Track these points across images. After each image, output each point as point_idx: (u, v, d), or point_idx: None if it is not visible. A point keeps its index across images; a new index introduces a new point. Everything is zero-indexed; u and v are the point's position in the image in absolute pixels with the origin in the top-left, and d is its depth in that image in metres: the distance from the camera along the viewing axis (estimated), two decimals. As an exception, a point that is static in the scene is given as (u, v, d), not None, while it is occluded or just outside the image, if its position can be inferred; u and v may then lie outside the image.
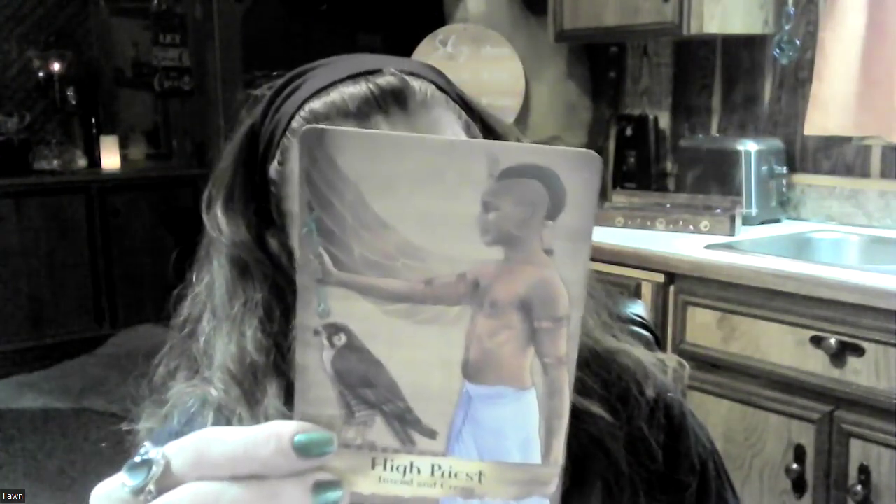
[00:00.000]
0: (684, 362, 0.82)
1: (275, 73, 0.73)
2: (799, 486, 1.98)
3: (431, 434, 0.40)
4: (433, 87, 0.70)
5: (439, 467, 0.40)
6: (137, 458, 0.39)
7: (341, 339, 0.39)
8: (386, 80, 0.67)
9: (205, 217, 0.71)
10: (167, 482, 0.38)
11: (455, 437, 0.40)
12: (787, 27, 2.51)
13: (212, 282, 0.70)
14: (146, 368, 0.75)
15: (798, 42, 2.52)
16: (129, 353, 4.42)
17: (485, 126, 0.74)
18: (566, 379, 0.40)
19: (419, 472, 0.40)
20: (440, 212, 0.38)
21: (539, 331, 0.39)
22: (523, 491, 0.40)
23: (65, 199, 4.67)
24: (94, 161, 4.94)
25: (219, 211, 0.70)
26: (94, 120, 5.00)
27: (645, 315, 1.08)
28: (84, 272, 4.73)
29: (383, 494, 0.40)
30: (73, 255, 4.69)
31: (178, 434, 0.69)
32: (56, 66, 4.90)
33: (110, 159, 4.95)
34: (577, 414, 0.70)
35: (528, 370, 0.40)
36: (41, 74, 4.90)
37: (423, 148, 0.38)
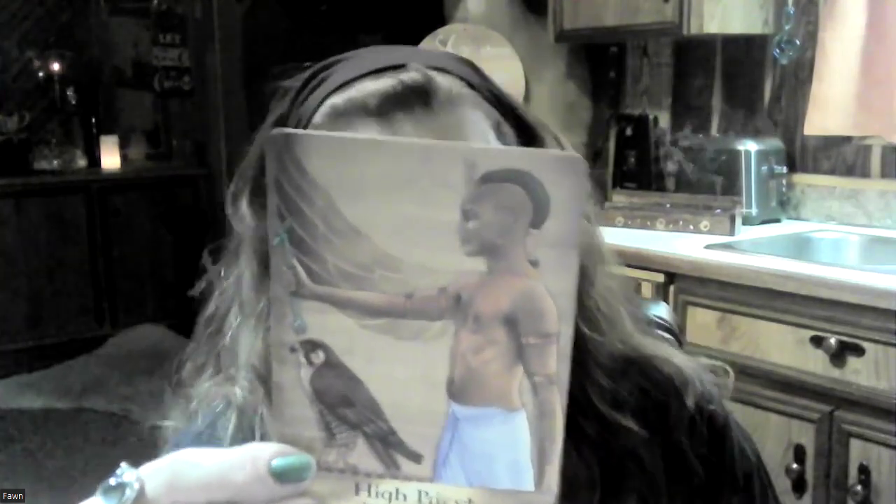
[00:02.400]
0: (729, 369, 0.78)
1: (306, 64, 0.70)
2: (799, 486, 1.98)
3: (416, 458, 0.38)
4: (461, 83, 0.66)
5: (426, 494, 0.38)
6: (112, 481, 0.37)
7: (319, 357, 0.37)
8: (410, 76, 0.64)
9: (229, 211, 0.68)
10: None
11: (442, 462, 0.38)
12: (787, 27, 2.51)
13: (239, 277, 0.68)
14: (151, 368, 0.73)
15: (798, 42, 2.51)
16: (129, 353, 4.42)
17: (518, 124, 0.69)
18: (558, 399, 0.37)
19: (405, 498, 0.38)
20: (417, 220, 0.36)
21: (526, 347, 0.37)
22: None
23: (65, 199, 4.67)
24: (94, 161, 4.93)
25: (244, 204, 0.67)
26: (94, 120, 5.00)
27: (668, 317, 1.05)
28: (84, 272, 4.72)
29: None
30: (73, 255, 4.68)
31: (200, 435, 0.69)
32: (56, 66, 4.90)
33: (110, 159, 4.95)
34: (610, 426, 0.67)
35: (517, 390, 0.37)
36: (41, 74, 4.90)
37: (396, 151, 0.36)
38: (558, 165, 0.36)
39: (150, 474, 0.37)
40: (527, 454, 0.38)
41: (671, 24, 2.53)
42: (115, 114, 5.22)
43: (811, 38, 2.52)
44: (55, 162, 4.76)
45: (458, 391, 0.38)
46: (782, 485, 2.00)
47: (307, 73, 0.69)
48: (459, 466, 0.38)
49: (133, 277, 4.86)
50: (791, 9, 2.52)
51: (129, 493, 0.36)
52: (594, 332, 0.66)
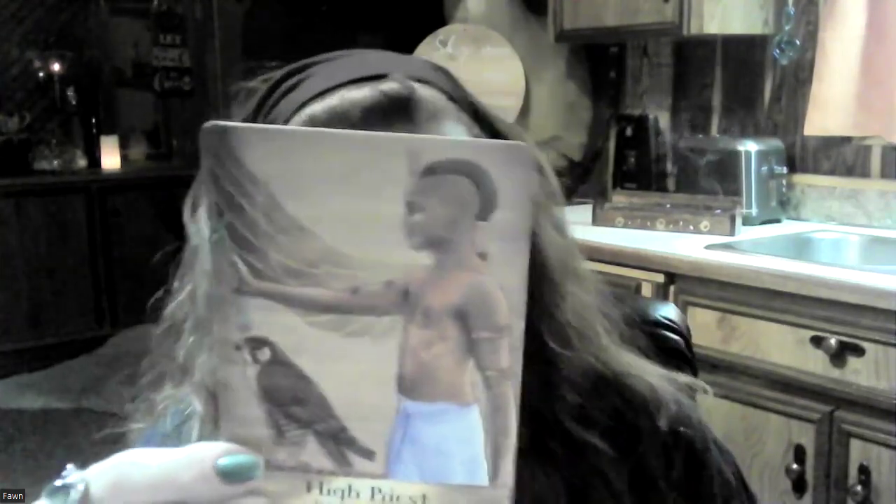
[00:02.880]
0: (708, 388, 0.76)
1: (273, 64, 0.68)
2: (799, 486, 1.98)
3: (369, 454, 0.37)
4: (442, 96, 0.64)
5: (380, 490, 0.37)
6: (58, 482, 0.37)
7: (265, 354, 0.37)
8: (392, 88, 0.62)
9: (187, 220, 0.65)
10: None
11: (395, 458, 0.37)
12: (787, 27, 2.51)
13: (194, 290, 0.66)
14: (138, 369, 0.73)
15: (798, 42, 2.51)
16: (129, 353, 4.42)
17: (494, 135, 0.67)
18: (511, 393, 0.37)
19: (358, 495, 0.37)
20: (361, 213, 0.35)
21: (478, 342, 0.37)
22: None
23: (65, 199, 4.67)
24: (94, 161, 4.93)
25: (202, 214, 0.65)
26: (94, 120, 5.00)
27: (676, 318, 1.04)
28: (84, 272, 4.72)
29: None
30: (73, 255, 4.68)
31: (167, 437, 0.67)
32: (56, 67, 4.90)
33: (110, 159, 4.95)
34: (577, 446, 0.66)
35: (469, 385, 0.37)
36: (41, 74, 4.90)
37: (336, 143, 0.36)
38: (505, 155, 0.35)
39: (96, 476, 0.37)
40: (480, 449, 0.37)
41: (671, 24, 2.53)
42: (115, 114, 5.22)
43: (811, 38, 2.52)
44: (55, 162, 4.76)
45: (409, 387, 0.37)
46: (782, 485, 2.00)
47: (278, 75, 0.67)
48: (412, 462, 0.38)
49: (133, 277, 4.86)
50: (791, 9, 2.52)
51: (74, 495, 0.36)
52: (565, 348, 0.64)
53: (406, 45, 2.98)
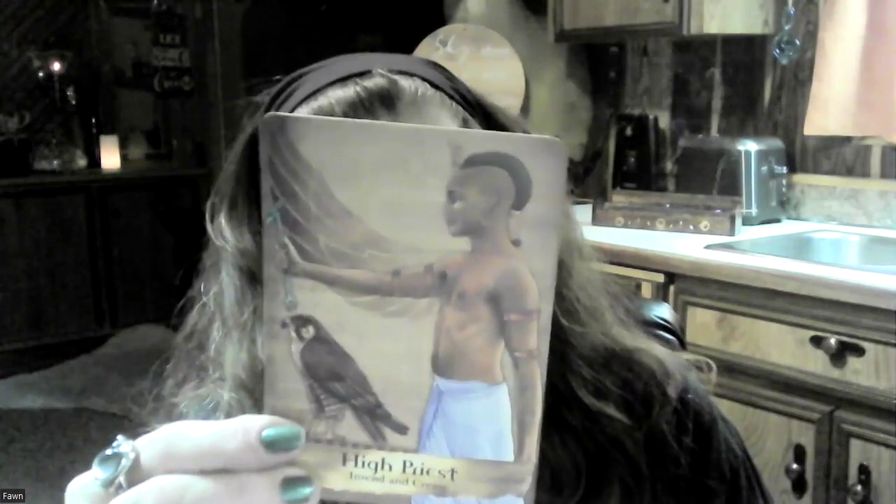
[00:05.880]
0: (711, 363, 0.79)
1: (275, 78, 0.72)
2: (799, 486, 1.98)
3: (402, 429, 0.39)
4: (426, 84, 0.68)
5: (411, 464, 0.39)
6: (109, 451, 0.39)
7: (310, 332, 0.39)
8: (374, 82, 0.66)
9: (209, 226, 0.69)
10: (137, 475, 0.38)
11: (426, 433, 0.39)
12: (787, 27, 2.51)
13: (220, 291, 0.69)
14: (151, 370, 0.74)
15: (798, 42, 2.51)
16: (129, 353, 4.42)
17: (489, 123, 0.71)
18: (538, 373, 0.39)
19: (391, 468, 0.39)
20: (405, 201, 0.38)
21: (508, 324, 0.38)
22: (497, 489, 0.39)
23: (65, 199, 4.67)
24: (94, 161, 4.94)
25: (223, 220, 0.69)
26: (94, 120, 5.00)
27: (670, 318, 1.05)
28: (84, 272, 4.73)
29: (354, 491, 0.39)
30: (73, 255, 4.69)
31: None
32: (56, 66, 4.90)
33: (110, 159, 4.95)
34: (593, 416, 0.69)
35: (499, 364, 0.39)
36: (41, 74, 4.90)
37: (386, 135, 0.38)
38: (540, 148, 0.37)
39: (146, 445, 0.38)
40: (508, 426, 0.39)
41: (671, 24, 2.53)
42: (115, 114, 5.23)
43: (811, 38, 2.52)
44: (55, 162, 4.76)
45: (442, 366, 0.39)
46: (782, 485, 2.00)
47: (278, 86, 0.71)
48: (443, 438, 0.39)
49: (133, 277, 4.86)
50: (791, 9, 2.52)
51: (125, 462, 0.38)
52: (574, 323, 0.68)
53: (406, 45, 2.98)
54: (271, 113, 0.38)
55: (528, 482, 0.39)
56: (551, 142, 0.37)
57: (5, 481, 3.22)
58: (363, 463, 0.39)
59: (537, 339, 0.39)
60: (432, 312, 0.38)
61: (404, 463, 0.39)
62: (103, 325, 4.78)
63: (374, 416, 0.39)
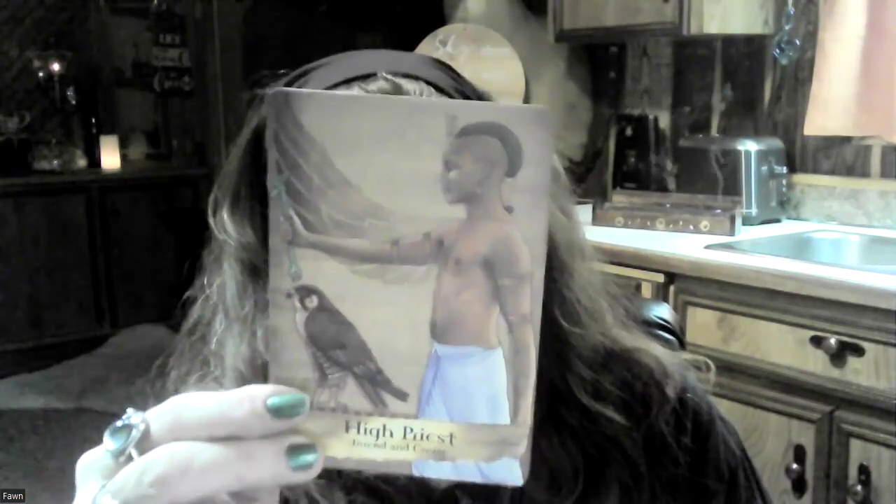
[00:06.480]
0: (710, 363, 0.80)
1: (280, 72, 0.73)
2: (799, 486, 1.99)
3: (402, 396, 0.40)
4: (429, 88, 0.68)
5: (411, 430, 0.40)
6: (119, 423, 0.40)
7: (313, 301, 0.40)
8: (378, 86, 0.67)
9: (211, 221, 0.70)
10: (147, 445, 0.39)
11: (425, 399, 0.40)
12: (787, 27, 2.51)
13: (223, 284, 0.70)
14: (151, 368, 0.74)
15: (798, 42, 2.52)
16: (129, 353, 4.42)
17: None
18: (531, 337, 0.40)
19: (392, 434, 0.40)
20: (403, 171, 0.39)
21: (502, 288, 0.39)
22: (493, 452, 0.40)
23: (65, 199, 4.67)
24: (94, 161, 4.93)
25: (225, 214, 0.70)
26: (94, 120, 5.00)
27: (670, 318, 1.05)
28: (84, 272, 4.72)
29: (357, 458, 0.40)
30: (73, 255, 4.68)
31: None
32: (56, 66, 4.90)
33: (110, 159, 4.95)
34: (591, 416, 0.69)
35: (494, 329, 0.40)
36: (41, 74, 4.90)
37: (384, 107, 0.39)
38: (529, 117, 0.38)
39: (156, 416, 0.40)
40: (503, 390, 0.40)
41: (671, 24, 2.54)
42: (115, 114, 5.22)
43: (811, 38, 2.52)
44: (55, 162, 4.76)
45: (440, 331, 0.40)
46: (782, 485, 2.00)
47: (283, 82, 0.72)
48: (441, 403, 0.40)
49: (133, 277, 4.86)
50: (791, 9, 2.52)
51: (136, 433, 0.39)
52: (575, 325, 0.68)
53: (406, 44, 2.98)
54: (276, 88, 0.39)
55: (523, 445, 0.40)
56: (540, 111, 0.38)
57: (5, 481, 3.22)
58: (365, 430, 0.40)
59: (530, 303, 0.40)
60: (430, 279, 0.39)
61: (405, 429, 0.40)
62: (103, 325, 4.77)
63: (375, 383, 0.40)
